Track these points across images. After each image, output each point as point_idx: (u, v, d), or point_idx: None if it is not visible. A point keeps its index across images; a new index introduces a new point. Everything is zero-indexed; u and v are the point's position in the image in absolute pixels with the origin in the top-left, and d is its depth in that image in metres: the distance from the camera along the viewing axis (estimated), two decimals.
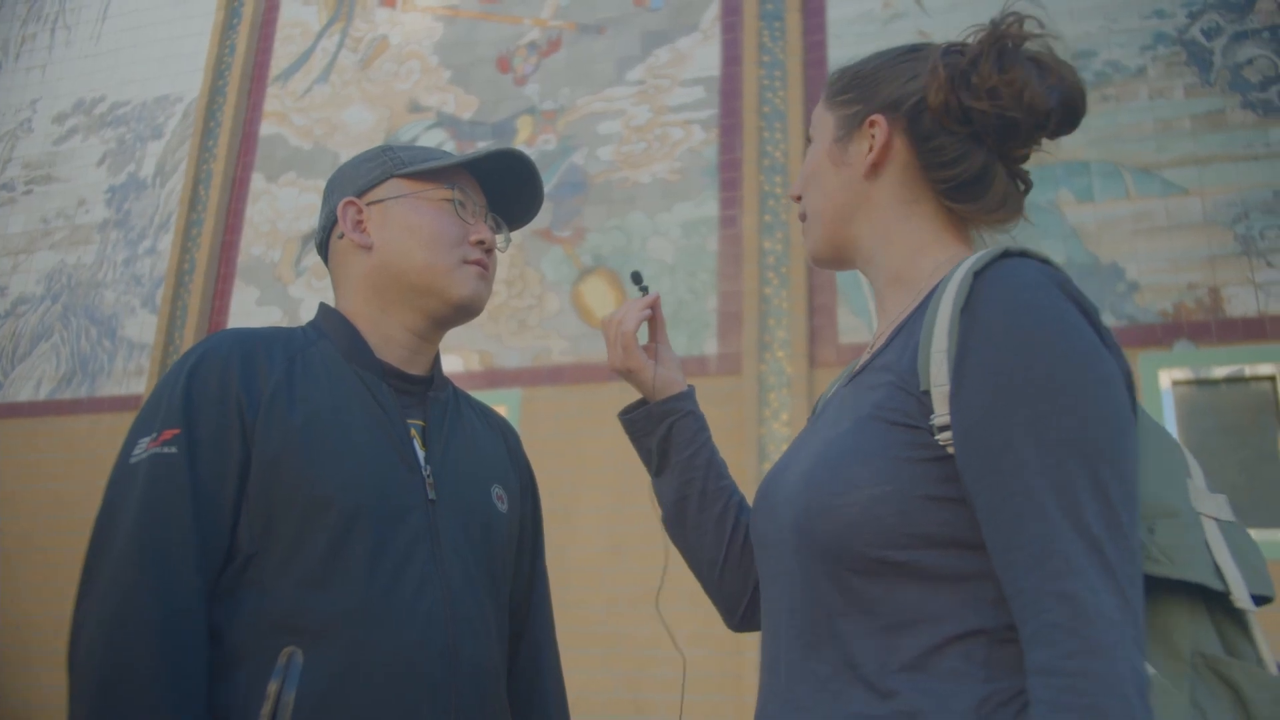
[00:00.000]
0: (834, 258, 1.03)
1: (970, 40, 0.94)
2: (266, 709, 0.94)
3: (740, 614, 1.10)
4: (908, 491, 0.80)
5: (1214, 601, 0.79)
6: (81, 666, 0.93)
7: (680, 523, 1.12)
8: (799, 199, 1.05)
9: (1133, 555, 0.74)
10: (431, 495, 1.10)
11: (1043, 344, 0.77)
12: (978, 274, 0.81)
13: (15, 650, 5.13)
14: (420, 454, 1.12)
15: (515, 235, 5.22)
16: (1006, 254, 0.83)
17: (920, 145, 0.95)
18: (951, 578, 0.80)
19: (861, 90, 0.99)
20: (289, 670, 0.96)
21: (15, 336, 5.95)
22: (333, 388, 1.10)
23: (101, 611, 0.94)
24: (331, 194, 1.24)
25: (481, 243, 1.20)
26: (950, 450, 0.80)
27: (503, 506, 1.20)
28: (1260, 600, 0.80)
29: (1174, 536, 0.78)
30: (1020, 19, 0.92)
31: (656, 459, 1.14)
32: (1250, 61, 4.18)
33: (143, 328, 5.65)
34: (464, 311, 1.20)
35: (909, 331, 0.89)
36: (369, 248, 1.19)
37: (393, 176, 1.21)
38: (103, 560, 0.97)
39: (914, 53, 0.99)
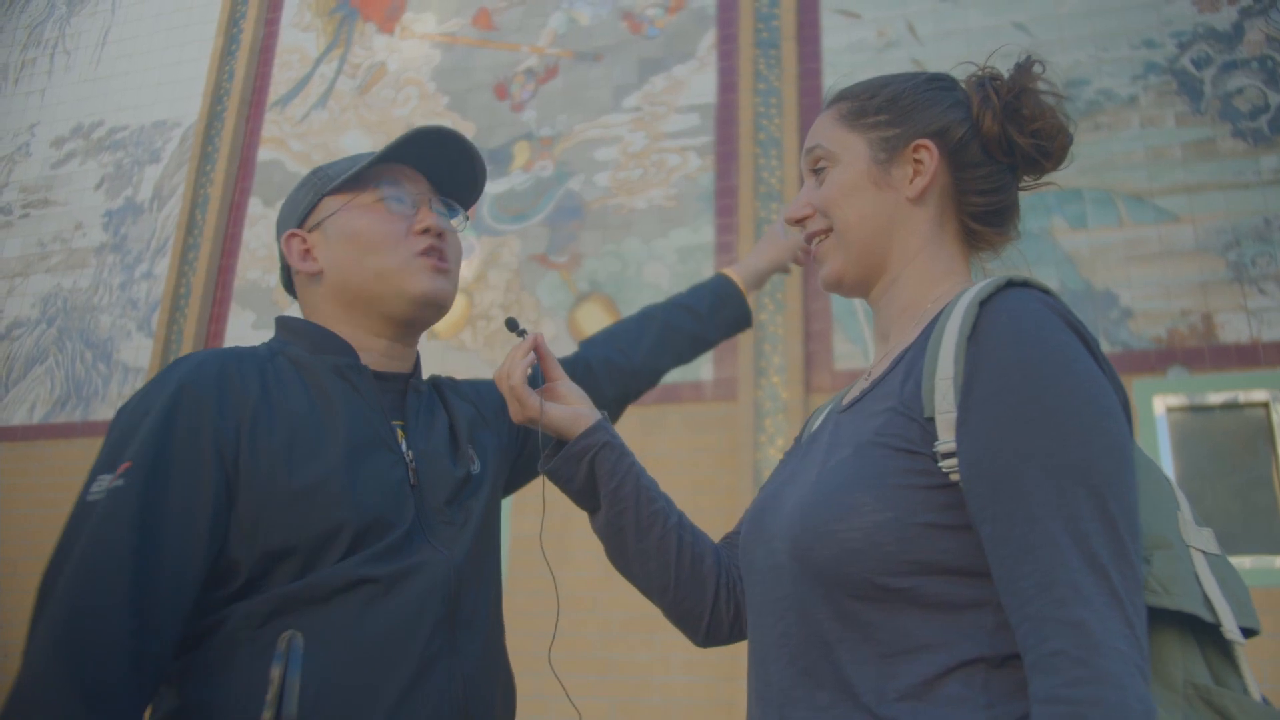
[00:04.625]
0: (859, 279, 1.02)
1: (976, 78, 1.00)
2: (272, 694, 0.94)
3: (704, 631, 1.10)
4: (908, 519, 0.80)
5: (1202, 633, 0.79)
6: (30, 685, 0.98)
7: (622, 555, 1.10)
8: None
9: (1138, 585, 0.74)
10: (413, 480, 1.10)
11: (1048, 375, 0.78)
12: (983, 304, 0.83)
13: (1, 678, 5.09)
14: (402, 443, 1.12)
15: (511, 260, 5.28)
16: (1010, 284, 0.84)
17: (963, 172, 0.98)
18: (951, 605, 0.79)
19: (898, 115, 1.00)
20: (290, 654, 0.95)
21: (10, 360, 5.94)
22: (307, 392, 1.09)
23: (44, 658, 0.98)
24: (279, 232, 1.21)
25: (427, 230, 1.16)
26: (954, 477, 0.80)
27: (475, 467, 1.19)
28: (1246, 633, 0.80)
29: (1169, 568, 0.79)
30: (1040, 64, 0.98)
31: (588, 499, 1.11)
32: (1240, 91, 4.22)
33: (138, 352, 5.65)
34: (427, 307, 1.16)
35: (910, 359, 0.90)
36: (319, 273, 1.16)
37: (324, 196, 1.17)
38: (48, 600, 0.98)
39: (938, 82, 1.02)
